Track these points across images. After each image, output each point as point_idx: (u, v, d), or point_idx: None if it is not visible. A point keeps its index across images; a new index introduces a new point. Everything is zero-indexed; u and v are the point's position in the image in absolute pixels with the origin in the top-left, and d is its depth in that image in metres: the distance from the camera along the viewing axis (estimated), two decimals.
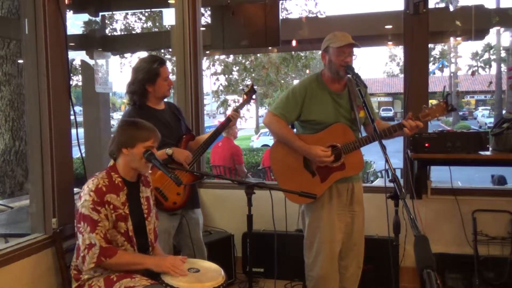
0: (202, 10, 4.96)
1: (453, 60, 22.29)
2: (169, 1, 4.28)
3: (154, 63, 2.58)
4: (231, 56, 13.42)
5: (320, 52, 2.60)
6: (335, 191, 2.57)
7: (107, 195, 2.02)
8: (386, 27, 6.22)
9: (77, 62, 8.55)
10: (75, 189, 2.61)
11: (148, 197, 2.24)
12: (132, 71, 2.65)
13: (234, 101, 14.64)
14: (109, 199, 2.02)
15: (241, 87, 13.61)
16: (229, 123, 2.78)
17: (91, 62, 6.53)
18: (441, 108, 2.40)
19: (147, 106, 2.63)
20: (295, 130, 2.68)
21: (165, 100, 2.78)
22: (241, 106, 2.87)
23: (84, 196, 2.00)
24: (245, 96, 2.87)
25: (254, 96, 2.90)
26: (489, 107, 30.15)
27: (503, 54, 21.65)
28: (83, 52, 6.68)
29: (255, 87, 2.93)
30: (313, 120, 2.54)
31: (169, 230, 2.63)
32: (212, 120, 25.06)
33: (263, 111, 26.40)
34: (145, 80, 2.57)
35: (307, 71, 14.86)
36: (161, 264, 2.05)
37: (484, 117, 26.88)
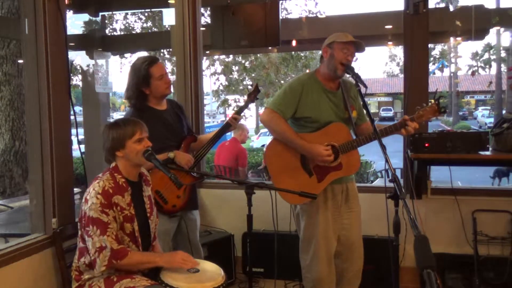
0: (202, 10, 4.95)
1: (453, 60, 22.34)
2: (169, 1, 4.28)
3: (142, 65, 2.53)
4: (231, 56, 13.43)
5: (320, 52, 2.60)
6: (330, 193, 2.57)
7: (114, 197, 2.01)
8: (386, 27, 6.22)
9: (77, 62, 8.55)
10: (75, 189, 2.61)
11: (150, 195, 2.24)
12: (127, 75, 2.61)
13: (235, 101, 14.64)
14: (116, 201, 2.02)
15: (241, 87, 13.65)
16: (228, 128, 2.75)
17: (91, 62, 6.53)
18: (433, 110, 2.41)
19: (148, 107, 2.59)
20: None
21: (168, 98, 2.75)
22: (244, 107, 2.83)
23: (91, 199, 1.98)
24: (251, 96, 2.81)
25: (258, 96, 2.87)
26: (489, 107, 30.14)
27: (503, 54, 21.65)
28: (83, 52, 6.68)
29: (260, 87, 2.89)
30: (308, 117, 2.52)
31: (169, 231, 2.62)
32: (212, 120, 25.02)
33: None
34: (139, 84, 2.53)
35: (307, 71, 14.85)
36: (172, 260, 2.06)
37: (484, 117, 26.85)
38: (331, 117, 2.52)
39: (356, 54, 2.53)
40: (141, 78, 2.52)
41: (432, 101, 2.48)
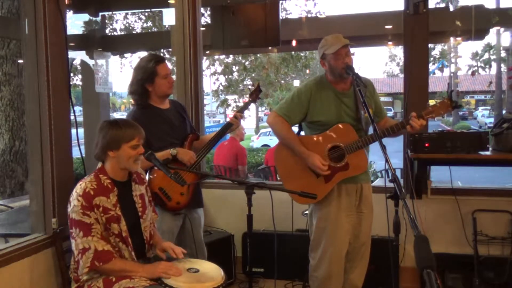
0: (202, 10, 4.96)
1: (453, 60, 22.30)
2: (169, 1, 4.28)
3: (150, 62, 2.57)
4: (231, 56, 13.42)
5: None
6: (344, 191, 2.56)
7: (96, 198, 2.00)
8: (386, 27, 6.21)
9: (77, 62, 8.55)
10: None
11: (143, 194, 2.23)
12: (132, 71, 2.65)
13: (234, 101, 14.63)
14: (98, 202, 2.01)
15: (241, 87, 13.64)
16: (230, 128, 2.78)
17: (91, 62, 6.53)
18: (446, 105, 2.40)
19: (151, 105, 2.61)
20: (302, 132, 2.69)
21: (171, 98, 2.77)
22: (245, 107, 2.87)
23: (73, 202, 2.00)
24: (253, 96, 2.84)
25: (259, 96, 2.89)
26: (489, 107, 30.14)
27: (503, 54, 21.67)
28: (83, 52, 6.68)
29: (261, 87, 2.92)
30: (319, 121, 2.55)
31: (173, 229, 2.62)
32: (212, 119, 25.01)
33: (263, 110, 26.41)
34: (144, 80, 2.56)
35: (307, 71, 14.85)
36: (154, 271, 2.02)
37: (484, 117, 26.87)
38: (342, 118, 2.53)
39: (353, 50, 2.52)
40: (147, 74, 2.55)
41: (436, 101, 2.47)
